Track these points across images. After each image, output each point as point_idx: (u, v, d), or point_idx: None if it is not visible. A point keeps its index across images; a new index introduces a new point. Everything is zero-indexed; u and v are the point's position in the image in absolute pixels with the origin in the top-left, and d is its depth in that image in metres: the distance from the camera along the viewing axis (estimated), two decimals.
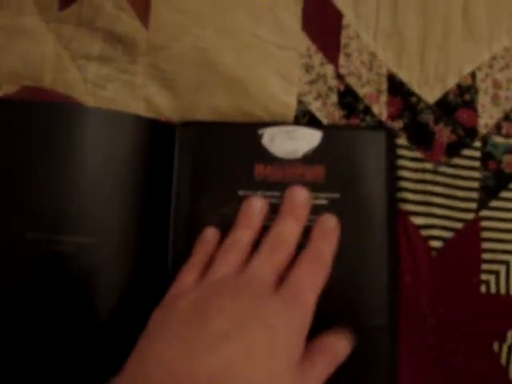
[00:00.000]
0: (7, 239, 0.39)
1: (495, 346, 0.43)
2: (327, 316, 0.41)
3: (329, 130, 0.43)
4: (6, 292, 0.40)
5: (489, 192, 0.44)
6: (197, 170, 0.43)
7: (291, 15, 0.46)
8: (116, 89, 0.45)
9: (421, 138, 0.45)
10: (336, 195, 0.42)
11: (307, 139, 0.43)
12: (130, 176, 0.41)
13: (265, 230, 0.41)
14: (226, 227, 0.42)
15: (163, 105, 0.45)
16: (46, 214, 0.40)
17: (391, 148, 0.44)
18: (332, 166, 0.42)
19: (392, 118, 0.45)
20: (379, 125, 0.45)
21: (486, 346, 0.43)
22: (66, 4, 0.45)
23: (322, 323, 0.40)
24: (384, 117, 0.45)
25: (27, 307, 0.39)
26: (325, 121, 0.45)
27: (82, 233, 0.40)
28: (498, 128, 0.45)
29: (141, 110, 0.45)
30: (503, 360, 0.42)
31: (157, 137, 0.43)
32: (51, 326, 0.39)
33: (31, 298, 0.39)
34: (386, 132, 0.44)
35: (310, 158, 0.42)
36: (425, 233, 0.44)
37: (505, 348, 0.42)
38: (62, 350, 0.39)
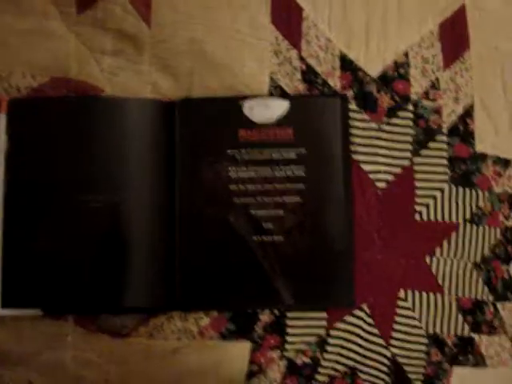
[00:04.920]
0: (65, 201, 0.52)
1: (427, 260, 0.55)
2: (303, 246, 0.52)
3: (295, 99, 0.55)
4: (53, 240, 0.52)
5: (420, 144, 0.56)
6: (194, 135, 0.54)
7: (262, 12, 0.56)
8: (127, 76, 0.55)
9: (367, 103, 0.56)
10: (303, 150, 0.53)
11: (278, 107, 0.54)
12: (145, 146, 0.53)
13: (248, 179, 0.53)
14: (218, 180, 0.53)
15: (165, 87, 0.55)
16: (81, 180, 0.52)
17: (345, 111, 0.55)
18: (299, 128, 0.53)
19: (344, 88, 0.56)
20: (335, 93, 0.56)
21: (420, 259, 0.55)
22: (82, 9, 0.55)
23: (295, 247, 0.52)
24: (338, 88, 0.56)
25: (68, 250, 0.52)
26: (292, 93, 0.56)
27: (109, 192, 0.52)
28: (426, 94, 0.57)
29: (148, 92, 0.55)
30: (434, 269, 0.55)
31: (162, 113, 0.54)
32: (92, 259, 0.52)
33: (70, 243, 0.52)
34: (340, 98, 0.55)
35: (281, 122, 0.53)
36: (372, 176, 0.55)
37: (435, 260, 0.55)
38: (97, 274, 0.52)
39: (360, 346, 0.54)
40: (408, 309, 0.55)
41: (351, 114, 0.56)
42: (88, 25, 0.55)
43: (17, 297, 0.51)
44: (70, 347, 0.52)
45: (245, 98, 0.54)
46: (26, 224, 0.52)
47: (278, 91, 0.56)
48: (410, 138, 0.56)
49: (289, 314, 0.53)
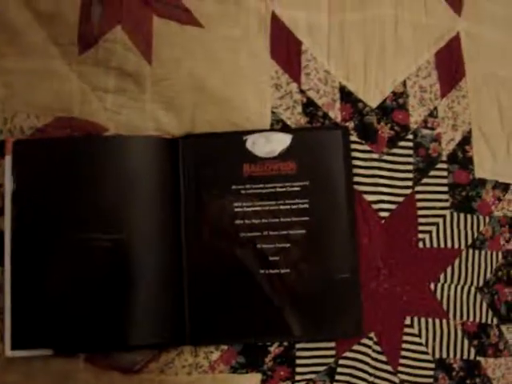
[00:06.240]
0: (71, 240, 0.52)
1: (431, 286, 0.56)
2: (309, 277, 0.53)
3: (297, 133, 0.56)
4: (61, 279, 0.52)
5: (421, 172, 0.57)
6: (198, 171, 0.54)
7: (261, 46, 0.57)
8: (130, 114, 0.56)
9: (367, 134, 0.57)
10: (306, 183, 0.54)
11: (281, 141, 0.55)
12: (149, 184, 0.53)
13: (253, 213, 0.53)
14: (224, 215, 0.54)
15: (168, 123, 0.56)
16: (87, 219, 0.53)
17: (346, 142, 0.56)
18: (302, 160, 0.54)
19: (345, 120, 0.57)
20: (336, 125, 0.57)
21: (424, 286, 0.56)
22: (84, 49, 0.56)
23: (302, 279, 0.53)
24: (339, 120, 0.57)
25: (77, 289, 0.52)
26: (293, 126, 0.57)
27: (115, 231, 0.52)
28: (425, 123, 0.58)
29: (150, 129, 0.56)
30: (438, 295, 0.56)
31: (165, 150, 0.54)
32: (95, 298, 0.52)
33: (79, 282, 0.52)
34: (342, 130, 0.56)
35: (284, 156, 0.54)
36: (375, 206, 0.56)
37: (439, 286, 0.56)
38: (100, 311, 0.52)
39: (369, 373, 0.55)
40: (414, 335, 0.55)
41: (352, 146, 0.56)
42: (90, 64, 0.56)
43: (27, 338, 0.51)
44: None
45: (248, 132, 0.55)
46: (34, 264, 0.52)
47: (279, 125, 0.57)
48: (410, 167, 0.57)
49: (298, 345, 0.54)
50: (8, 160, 0.53)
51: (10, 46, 0.56)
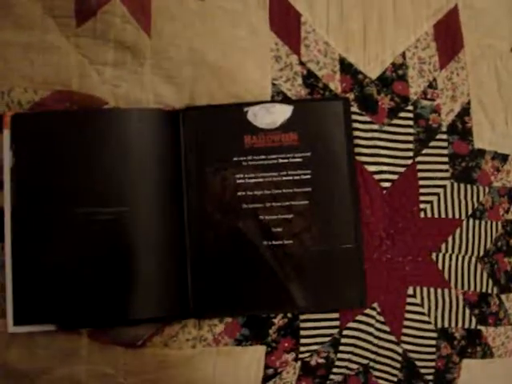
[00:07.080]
0: (61, 215, 0.52)
1: (433, 256, 0.56)
2: (312, 248, 0.53)
3: (298, 104, 0.55)
4: (63, 254, 0.52)
5: (421, 143, 0.57)
6: (199, 144, 0.54)
7: (261, 19, 0.57)
8: (129, 87, 0.55)
9: (368, 105, 0.57)
10: (308, 154, 0.54)
11: (282, 112, 0.55)
12: (150, 157, 0.53)
13: (256, 184, 0.53)
14: (226, 186, 0.54)
15: (168, 96, 0.55)
16: (88, 193, 0.52)
17: (347, 113, 0.56)
18: (303, 131, 0.54)
19: (345, 91, 0.57)
20: (336, 96, 0.57)
21: (426, 256, 0.56)
22: (82, 21, 0.55)
23: (305, 250, 0.53)
24: (339, 91, 0.57)
25: (79, 264, 0.52)
26: (294, 98, 0.56)
27: (117, 204, 0.52)
28: (424, 94, 0.58)
29: (150, 101, 0.55)
30: (440, 265, 0.56)
31: (166, 122, 0.54)
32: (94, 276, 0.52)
33: (81, 257, 0.52)
34: (343, 101, 0.56)
35: (285, 127, 0.54)
36: (377, 177, 0.56)
37: (440, 256, 0.56)
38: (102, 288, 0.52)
39: (372, 343, 0.55)
40: (417, 305, 0.56)
41: (353, 117, 0.56)
42: (88, 37, 0.55)
43: (29, 313, 0.51)
44: (84, 361, 0.52)
45: (248, 104, 0.55)
46: (35, 239, 0.51)
47: (280, 96, 0.56)
48: (411, 138, 0.57)
49: (302, 317, 0.54)
50: (6, 134, 0.53)
51: (6, 19, 0.55)
